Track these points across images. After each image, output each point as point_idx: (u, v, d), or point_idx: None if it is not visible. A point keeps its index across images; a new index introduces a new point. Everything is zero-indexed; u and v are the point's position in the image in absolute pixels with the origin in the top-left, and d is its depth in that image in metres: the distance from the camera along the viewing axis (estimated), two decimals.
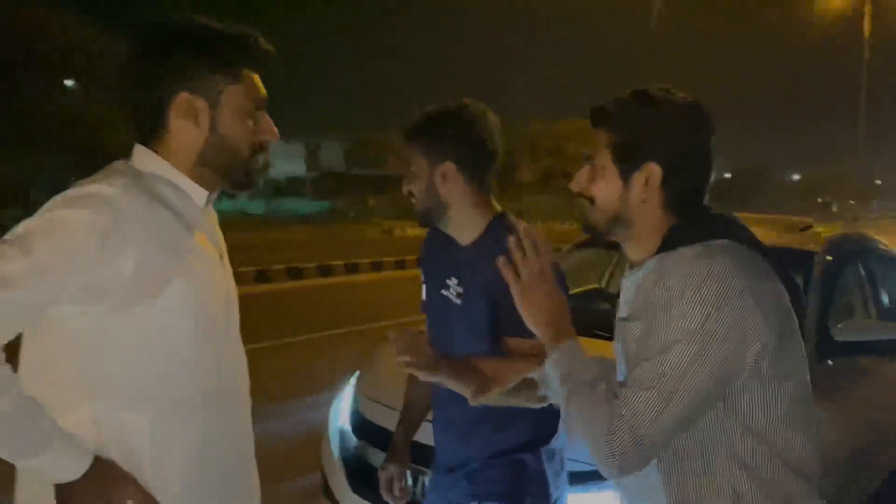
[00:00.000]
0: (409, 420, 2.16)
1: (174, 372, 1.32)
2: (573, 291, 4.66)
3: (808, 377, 1.32)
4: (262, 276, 12.73)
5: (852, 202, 52.39)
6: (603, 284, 4.76)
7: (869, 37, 45.08)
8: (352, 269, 14.28)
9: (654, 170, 1.31)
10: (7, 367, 1.19)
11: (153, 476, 1.29)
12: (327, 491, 3.01)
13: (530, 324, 1.34)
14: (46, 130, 13.14)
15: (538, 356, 1.66)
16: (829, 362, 3.12)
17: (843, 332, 3.13)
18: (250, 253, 14.98)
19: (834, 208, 49.22)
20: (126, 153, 1.40)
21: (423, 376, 1.54)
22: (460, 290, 1.87)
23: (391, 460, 2.13)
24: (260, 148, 1.42)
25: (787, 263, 3.52)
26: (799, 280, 3.27)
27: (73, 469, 1.22)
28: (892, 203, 58.51)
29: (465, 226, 1.86)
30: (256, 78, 1.41)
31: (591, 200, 1.36)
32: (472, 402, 1.53)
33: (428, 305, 2.01)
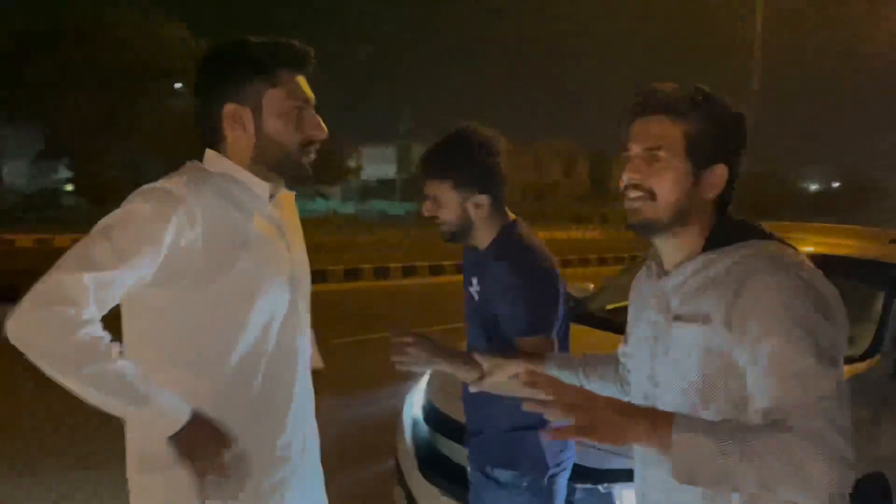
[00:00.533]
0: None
1: (235, 343, 1.48)
2: None
3: None
4: (351, 274, 13.17)
5: None
6: None
7: None
8: (435, 270, 14.52)
9: (723, 171, 1.31)
10: (108, 336, 1.37)
11: None
12: (400, 477, 3.15)
13: (621, 441, 1.14)
14: (157, 132, 13.96)
15: (538, 355, 1.84)
16: None
17: None
18: (340, 252, 15.50)
19: None
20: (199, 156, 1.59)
21: (417, 369, 1.79)
22: (478, 288, 2.05)
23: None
24: (309, 143, 1.55)
25: (866, 275, 3.47)
26: (882, 293, 3.19)
27: (176, 419, 1.39)
28: None
29: (484, 235, 2.02)
30: (298, 79, 1.54)
31: (651, 194, 1.30)
32: (471, 389, 1.80)
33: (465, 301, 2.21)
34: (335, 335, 6.46)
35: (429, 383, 3.30)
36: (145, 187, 1.45)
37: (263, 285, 1.51)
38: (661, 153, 1.29)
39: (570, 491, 2.31)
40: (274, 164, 1.55)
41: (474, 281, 2.07)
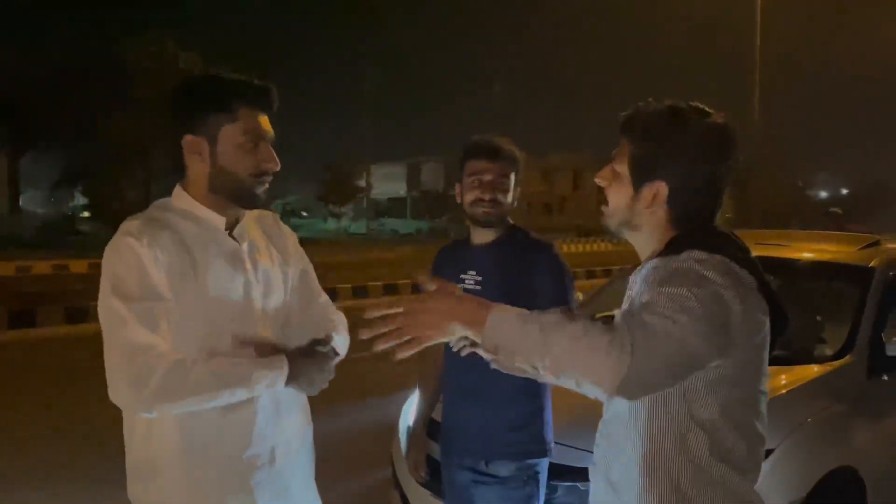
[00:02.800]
0: (426, 413, 2.58)
1: (208, 340, 1.64)
2: None
3: (762, 388, 1.40)
4: (359, 291, 13.36)
5: None
6: None
7: None
8: None
9: (661, 188, 1.38)
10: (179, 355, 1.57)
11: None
12: (396, 483, 3.28)
13: (446, 325, 1.27)
14: (170, 158, 14.23)
15: None
16: (884, 377, 3.15)
17: None
18: (349, 270, 15.67)
19: None
20: None
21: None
22: (479, 279, 2.27)
23: (413, 448, 2.57)
24: (261, 174, 1.68)
25: (841, 278, 3.58)
26: (855, 295, 3.30)
27: (280, 374, 1.62)
28: None
29: (488, 232, 2.31)
30: (258, 116, 1.67)
31: (607, 203, 1.47)
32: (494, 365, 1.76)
33: None
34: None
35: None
36: (112, 241, 1.64)
37: (211, 313, 1.64)
38: (615, 166, 1.44)
39: (551, 489, 2.44)
40: (228, 193, 1.68)
41: (471, 273, 2.28)
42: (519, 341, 1.21)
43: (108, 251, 1.60)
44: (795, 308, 3.97)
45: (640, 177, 1.40)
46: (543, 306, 2.11)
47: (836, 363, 3.11)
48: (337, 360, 1.76)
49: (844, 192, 50.42)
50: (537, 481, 2.24)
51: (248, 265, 1.73)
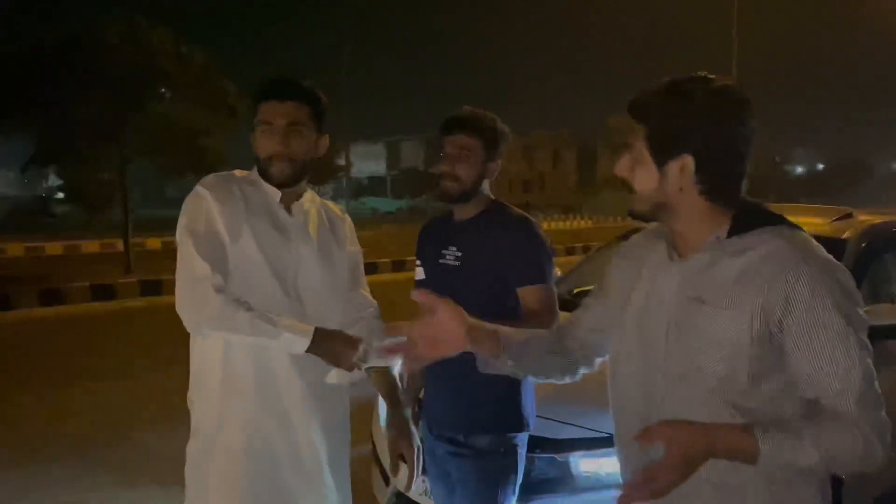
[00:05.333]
0: (413, 395, 2.52)
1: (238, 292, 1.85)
2: None
3: None
4: None
5: None
6: None
7: None
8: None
9: (687, 161, 1.33)
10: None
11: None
12: (376, 457, 3.31)
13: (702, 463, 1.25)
14: (144, 137, 13.96)
15: (545, 312, 2.10)
16: None
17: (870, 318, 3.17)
18: None
19: None
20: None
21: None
22: (459, 254, 2.26)
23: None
24: (271, 157, 1.95)
25: None
26: None
27: (304, 341, 1.80)
28: None
29: (469, 208, 2.29)
30: (276, 106, 1.94)
31: (632, 189, 1.41)
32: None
33: (427, 280, 2.39)
34: None
35: (401, 366, 3.45)
36: (192, 191, 1.96)
37: (248, 269, 1.89)
38: (633, 152, 1.39)
39: (529, 461, 2.46)
40: (262, 174, 2.00)
41: (452, 249, 2.27)
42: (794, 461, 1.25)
43: (188, 198, 1.93)
44: None
45: (663, 154, 1.35)
46: (522, 282, 2.20)
47: None
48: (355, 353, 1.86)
49: (820, 167, 51.01)
50: (515, 455, 2.25)
51: (294, 237, 1.97)
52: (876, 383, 1.26)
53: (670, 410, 1.35)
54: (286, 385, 1.92)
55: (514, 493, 2.26)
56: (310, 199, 2.07)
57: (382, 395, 2.21)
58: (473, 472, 2.23)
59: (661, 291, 1.41)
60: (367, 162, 54.50)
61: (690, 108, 1.32)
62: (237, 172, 2.04)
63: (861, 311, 1.28)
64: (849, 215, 3.92)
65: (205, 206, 1.88)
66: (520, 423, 2.25)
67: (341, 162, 44.40)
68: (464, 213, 2.29)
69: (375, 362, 1.90)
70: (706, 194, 1.35)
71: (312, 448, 1.98)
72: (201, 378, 1.97)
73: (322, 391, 1.97)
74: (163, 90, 14.05)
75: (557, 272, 4.41)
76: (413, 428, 2.18)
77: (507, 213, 2.28)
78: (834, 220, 3.73)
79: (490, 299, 2.17)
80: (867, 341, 1.27)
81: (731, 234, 1.35)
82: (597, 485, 2.51)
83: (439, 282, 2.29)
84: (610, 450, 2.69)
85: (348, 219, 2.20)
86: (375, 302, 2.16)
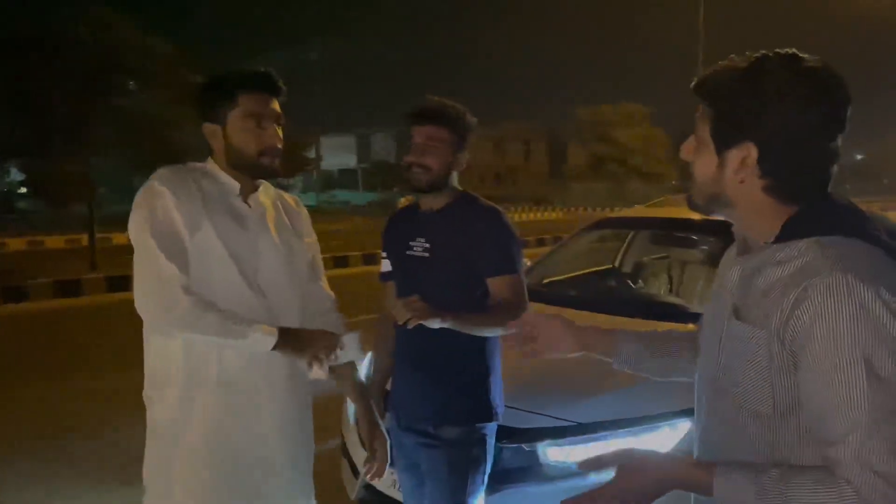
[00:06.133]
0: (377, 383, 2.52)
1: (199, 287, 1.81)
2: (587, 271, 4.87)
3: None
4: None
5: None
6: (616, 264, 4.92)
7: None
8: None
9: (750, 150, 1.19)
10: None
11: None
12: (345, 451, 3.30)
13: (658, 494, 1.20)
14: (110, 130, 13.74)
15: (515, 301, 2.12)
16: None
17: None
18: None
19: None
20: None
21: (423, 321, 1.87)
22: (428, 245, 2.24)
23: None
24: (265, 152, 1.91)
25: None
26: None
27: (270, 339, 1.79)
28: None
29: (439, 198, 2.27)
30: (262, 99, 1.91)
31: (691, 175, 1.29)
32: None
33: (393, 271, 2.38)
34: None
35: (370, 361, 3.44)
36: (144, 185, 1.88)
37: (208, 263, 1.85)
38: (697, 134, 1.27)
39: (497, 450, 2.47)
40: (242, 167, 1.95)
41: (420, 240, 2.26)
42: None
43: (140, 192, 1.85)
44: (704, 266, 4.13)
45: (724, 140, 1.21)
46: (492, 272, 2.20)
47: None
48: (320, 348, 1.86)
49: None
50: (485, 445, 2.26)
51: (254, 229, 1.94)
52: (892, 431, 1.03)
53: (708, 415, 1.31)
54: (248, 380, 1.91)
55: (483, 482, 2.26)
56: (265, 190, 2.04)
57: (347, 390, 2.18)
58: (443, 463, 2.23)
59: (724, 290, 1.30)
60: (337, 154, 54.15)
61: (761, 90, 1.17)
62: (188, 164, 1.99)
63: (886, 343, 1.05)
64: None
65: (161, 201, 1.82)
66: (489, 414, 2.26)
67: (311, 154, 44.15)
68: (432, 203, 2.27)
69: (347, 357, 1.90)
70: (770, 190, 1.20)
71: (275, 442, 1.96)
72: (160, 375, 1.92)
73: (284, 385, 1.96)
74: (130, 82, 13.85)
75: (527, 262, 4.44)
76: (380, 420, 2.18)
77: (475, 203, 2.27)
78: None
79: (459, 290, 2.18)
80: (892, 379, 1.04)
81: (778, 239, 1.20)
82: (564, 473, 2.52)
83: (407, 273, 2.29)
84: (577, 438, 2.76)
85: (304, 210, 2.18)
86: (333, 294, 2.15)
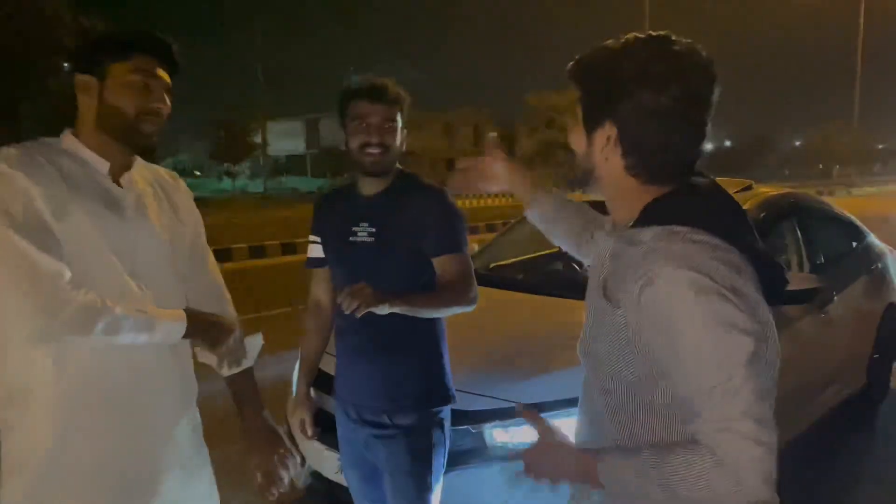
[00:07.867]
0: (309, 371, 2.52)
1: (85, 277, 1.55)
2: (534, 255, 4.91)
3: None
4: (256, 251, 13.06)
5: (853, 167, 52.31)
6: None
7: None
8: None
9: (612, 130, 1.23)
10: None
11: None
12: (292, 440, 3.25)
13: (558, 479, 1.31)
14: (42, 114, 13.30)
15: (462, 280, 2.12)
16: None
17: None
18: (245, 230, 15.25)
19: (834, 174, 49.25)
20: None
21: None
22: (372, 229, 2.17)
23: (299, 407, 2.49)
24: (148, 113, 1.65)
25: None
26: None
27: (180, 326, 1.63)
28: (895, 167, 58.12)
29: (379, 182, 2.21)
30: (153, 63, 1.66)
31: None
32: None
33: (329, 257, 2.32)
34: (240, 312, 6.58)
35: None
36: None
37: (81, 254, 1.58)
38: (575, 117, 1.32)
39: None
40: (116, 132, 1.65)
41: (364, 225, 2.18)
42: (635, 487, 1.18)
43: None
44: None
45: (591, 121, 1.27)
46: (438, 251, 2.15)
47: None
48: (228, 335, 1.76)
49: (728, 143, 53.26)
50: (443, 428, 2.23)
51: (130, 214, 1.69)
52: (758, 400, 1.07)
53: (584, 385, 1.43)
54: (132, 385, 1.67)
55: (443, 466, 2.24)
56: (139, 169, 1.77)
57: (235, 393, 1.98)
58: (404, 451, 2.18)
59: (596, 264, 1.35)
60: (285, 140, 53.29)
61: (620, 70, 1.19)
62: (38, 141, 1.66)
63: (743, 312, 1.10)
64: (749, 187, 4.10)
65: (16, 186, 1.50)
66: (445, 398, 2.23)
67: (257, 140, 43.35)
68: (374, 187, 2.20)
69: (251, 362, 1.85)
70: (631, 169, 1.24)
71: (172, 444, 1.78)
72: (25, 394, 1.58)
73: (174, 399, 1.80)
74: (64, 64, 13.36)
75: (474, 247, 4.45)
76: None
77: (417, 183, 2.21)
78: (735, 193, 3.88)
79: (408, 272, 2.14)
80: (751, 345, 1.09)
81: (636, 223, 1.24)
82: (510, 454, 2.55)
83: (352, 260, 2.22)
84: (521, 420, 2.77)
85: (182, 183, 1.93)
86: (222, 281, 1.97)
